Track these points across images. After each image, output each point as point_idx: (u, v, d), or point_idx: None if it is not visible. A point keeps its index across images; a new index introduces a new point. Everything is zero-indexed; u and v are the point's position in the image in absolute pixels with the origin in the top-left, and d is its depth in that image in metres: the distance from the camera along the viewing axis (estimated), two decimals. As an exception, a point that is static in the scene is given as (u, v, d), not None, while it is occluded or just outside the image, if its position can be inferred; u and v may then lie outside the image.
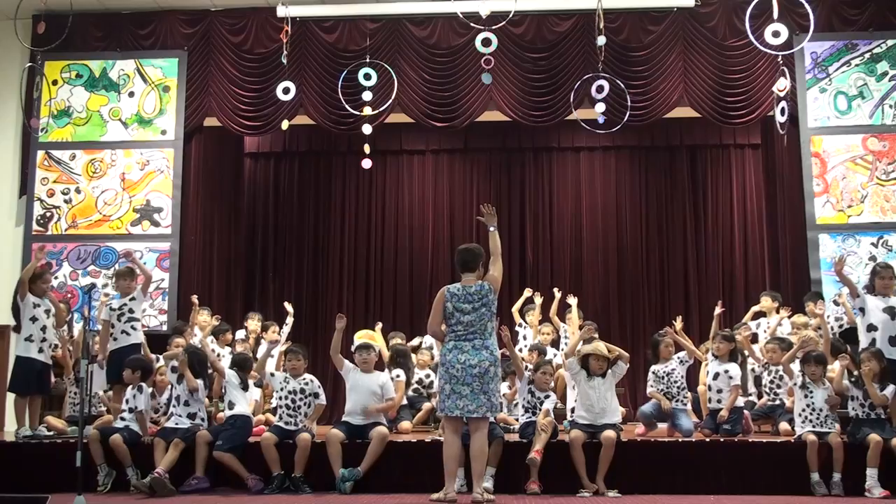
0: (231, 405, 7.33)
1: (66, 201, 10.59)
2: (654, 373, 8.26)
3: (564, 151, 12.34)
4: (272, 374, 7.50)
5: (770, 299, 9.46)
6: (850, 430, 6.90)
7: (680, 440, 7.34)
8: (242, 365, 7.58)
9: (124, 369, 7.51)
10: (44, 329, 7.79)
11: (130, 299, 8.10)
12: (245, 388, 7.52)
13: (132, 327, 8.05)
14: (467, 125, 10.81)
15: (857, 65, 10.29)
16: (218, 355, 8.59)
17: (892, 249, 9.85)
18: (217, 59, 10.79)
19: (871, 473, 6.51)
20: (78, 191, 10.61)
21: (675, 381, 8.06)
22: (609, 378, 7.14)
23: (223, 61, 10.77)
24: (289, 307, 9.98)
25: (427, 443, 7.12)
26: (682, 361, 8.16)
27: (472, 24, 9.63)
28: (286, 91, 10.04)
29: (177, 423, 7.17)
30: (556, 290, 10.08)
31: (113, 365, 7.93)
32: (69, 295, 10.08)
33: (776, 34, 8.55)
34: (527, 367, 7.77)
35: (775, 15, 8.37)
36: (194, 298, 9.37)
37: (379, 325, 9.91)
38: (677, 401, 7.97)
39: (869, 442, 6.57)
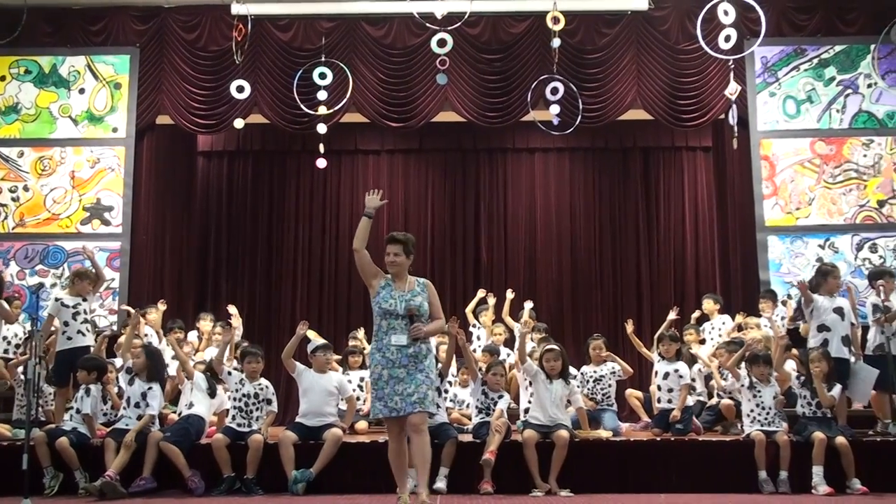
0: (190, 405, 7.27)
1: (13, 199, 10.41)
2: (582, 374, 8.39)
3: (519, 152, 12.38)
4: (229, 373, 7.42)
5: (712, 302, 9.63)
6: (796, 429, 7.03)
7: (632, 440, 7.40)
8: (214, 372, 7.52)
9: (78, 370, 7.40)
10: None
11: (83, 299, 8.01)
12: (212, 394, 7.48)
13: (87, 329, 7.97)
14: (422, 125, 10.82)
15: (805, 70, 10.49)
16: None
17: (838, 251, 10.06)
18: (170, 57, 10.68)
19: (817, 471, 6.65)
20: (26, 189, 10.43)
21: (603, 389, 8.25)
22: (566, 382, 7.22)
23: (176, 58, 10.66)
24: (232, 309, 9.79)
25: (381, 444, 7.08)
26: (614, 373, 8.34)
27: (427, 25, 9.64)
28: (240, 89, 9.98)
29: (127, 425, 7.07)
30: (509, 291, 10.16)
31: (64, 365, 7.81)
32: (16, 294, 9.90)
33: (727, 39, 8.69)
34: (481, 367, 7.79)
35: (725, 21, 8.48)
36: (125, 307, 9.37)
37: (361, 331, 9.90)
38: (603, 405, 8.20)
39: (814, 440, 6.70)
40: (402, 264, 5.81)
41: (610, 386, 8.34)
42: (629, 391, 9.02)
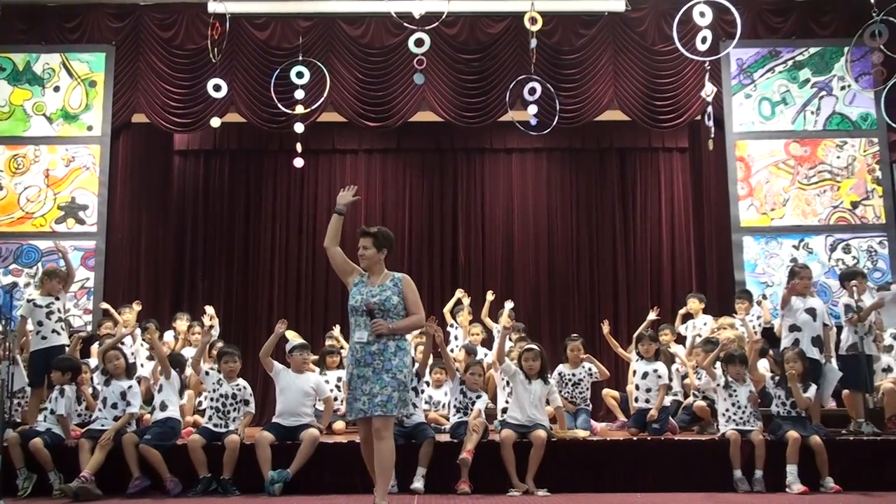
0: (163, 406, 7.21)
1: (-14, 198, 10.32)
2: (559, 374, 8.37)
3: (496, 153, 12.40)
4: (207, 373, 7.38)
5: (697, 301, 9.68)
6: (770, 428, 7.09)
7: (608, 439, 7.42)
8: (181, 366, 7.47)
9: (52, 371, 7.33)
10: None
11: (56, 298, 7.94)
12: (181, 392, 7.43)
13: (62, 327, 7.90)
14: (400, 125, 10.81)
15: (780, 71, 10.58)
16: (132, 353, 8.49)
17: (813, 252, 10.15)
18: (146, 55, 10.61)
19: (791, 470, 6.70)
20: (-1, 187, 10.35)
21: (581, 392, 8.27)
22: (544, 382, 7.23)
23: (152, 57, 10.59)
24: (210, 310, 9.74)
25: (358, 444, 7.04)
26: (591, 374, 8.36)
27: (405, 24, 9.63)
28: (217, 88, 9.92)
29: (103, 425, 7.02)
30: (489, 292, 10.16)
31: (38, 365, 7.74)
32: (-11, 294, 9.81)
33: (703, 40, 8.75)
34: (458, 367, 7.79)
35: (701, 22, 8.54)
36: (103, 305, 9.23)
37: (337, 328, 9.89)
38: (580, 407, 8.22)
39: (788, 439, 6.75)
40: (372, 258, 5.60)
41: (587, 388, 8.39)
42: (606, 391, 9.07)
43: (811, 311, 7.59)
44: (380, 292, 5.47)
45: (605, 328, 9.06)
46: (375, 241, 5.61)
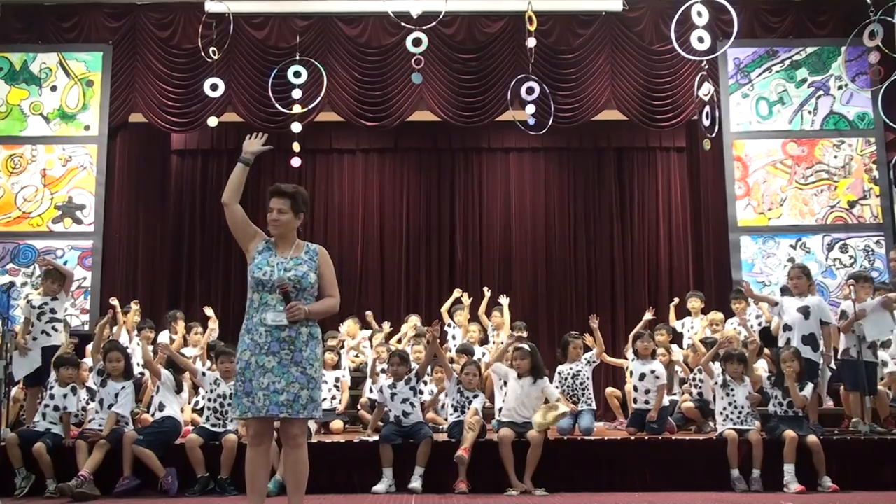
0: (161, 407, 7.19)
1: (-17, 197, 10.31)
2: (559, 373, 8.30)
3: (494, 152, 12.43)
4: (204, 374, 7.37)
5: (699, 300, 9.64)
6: (768, 428, 7.09)
7: (606, 439, 7.42)
8: (177, 366, 7.47)
9: (58, 368, 7.31)
10: None
11: (52, 299, 7.93)
12: (179, 390, 7.41)
13: (53, 328, 7.89)
14: (398, 125, 10.81)
15: (777, 71, 10.59)
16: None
17: (810, 251, 10.16)
18: (143, 54, 10.61)
19: (788, 469, 6.70)
20: (-4, 186, 10.34)
21: (581, 383, 8.14)
22: (535, 381, 7.20)
23: (149, 56, 10.59)
24: (209, 311, 9.68)
25: (356, 443, 7.11)
26: (589, 362, 8.25)
27: (402, 24, 9.65)
28: (214, 87, 9.93)
29: (100, 426, 7.01)
30: (485, 289, 10.16)
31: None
32: (-14, 294, 9.79)
33: (700, 40, 8.77)
34: (455, 367, 7.78)
35: (699, 22, 8.56)
36: (112, 301, 9.20)
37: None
38: (582, 402, 8.04)
39: (785, 438, 6.76)
40: (288, 224, 4.78)
41: (587, 378, 8.17)
42: (609, 390, 9.03)
43: (804, 310, 7.56)
44: (294, 266, 4.63)
45: (594, 322, 8.74)
46: (293, 204, 4.80)
